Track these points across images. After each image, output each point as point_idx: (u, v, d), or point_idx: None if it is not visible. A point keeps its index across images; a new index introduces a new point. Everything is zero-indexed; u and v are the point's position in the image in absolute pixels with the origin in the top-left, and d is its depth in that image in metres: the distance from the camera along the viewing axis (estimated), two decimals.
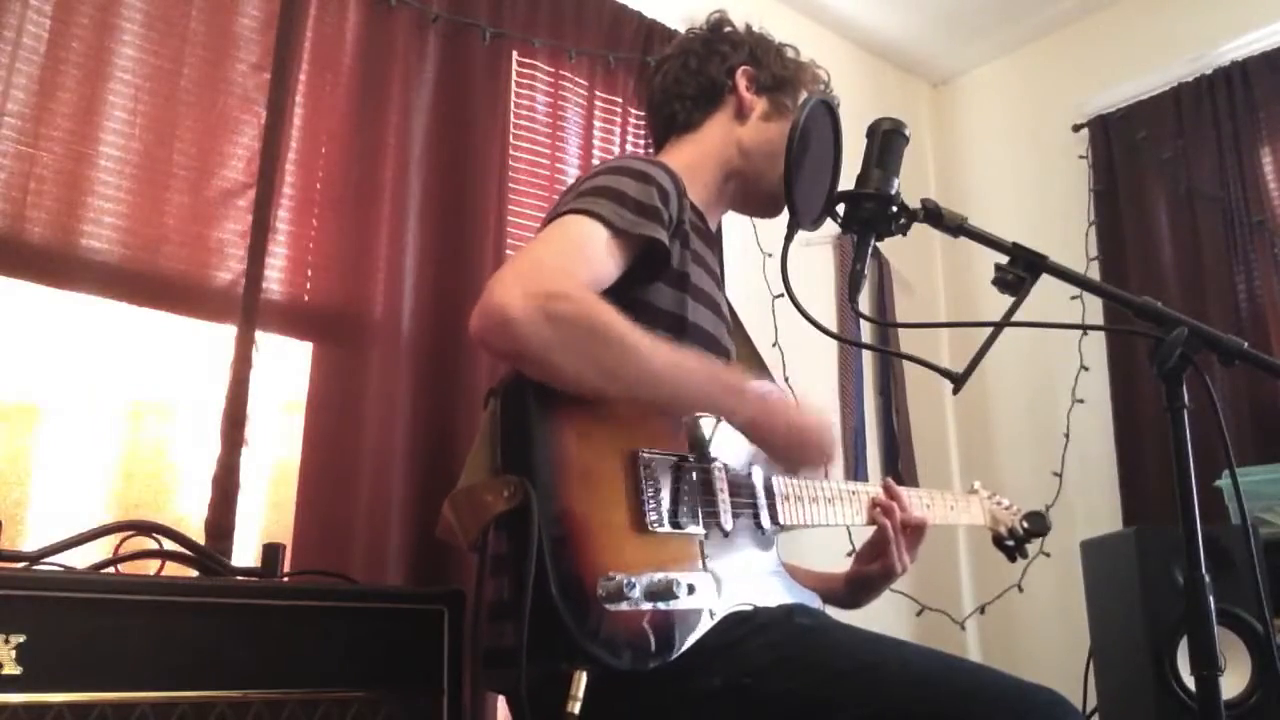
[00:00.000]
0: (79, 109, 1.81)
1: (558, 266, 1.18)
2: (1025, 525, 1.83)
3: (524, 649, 1.06)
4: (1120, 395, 2.99)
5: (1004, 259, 1.21)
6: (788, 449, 1.33)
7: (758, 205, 1.61)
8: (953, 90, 3.77)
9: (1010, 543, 1.84)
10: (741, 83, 1.55)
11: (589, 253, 1.22)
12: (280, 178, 2.02)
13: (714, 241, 1.55)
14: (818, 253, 3.13)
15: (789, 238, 1.34)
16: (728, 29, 1.61)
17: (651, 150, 1.68)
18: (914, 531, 1.56)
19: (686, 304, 1.37)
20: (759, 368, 1.58)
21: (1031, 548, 1.88)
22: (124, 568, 1.50)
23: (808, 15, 3.30)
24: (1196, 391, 1.11)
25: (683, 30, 2.67)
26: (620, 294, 1.25)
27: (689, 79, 1.57)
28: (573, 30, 2.55)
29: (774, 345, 2.78)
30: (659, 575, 1.15)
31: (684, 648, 1.15)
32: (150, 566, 1.54)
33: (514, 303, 1.11)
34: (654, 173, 1.32)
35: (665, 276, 1.34)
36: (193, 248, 1.90)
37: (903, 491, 1.59)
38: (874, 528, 1.56)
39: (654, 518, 1.19)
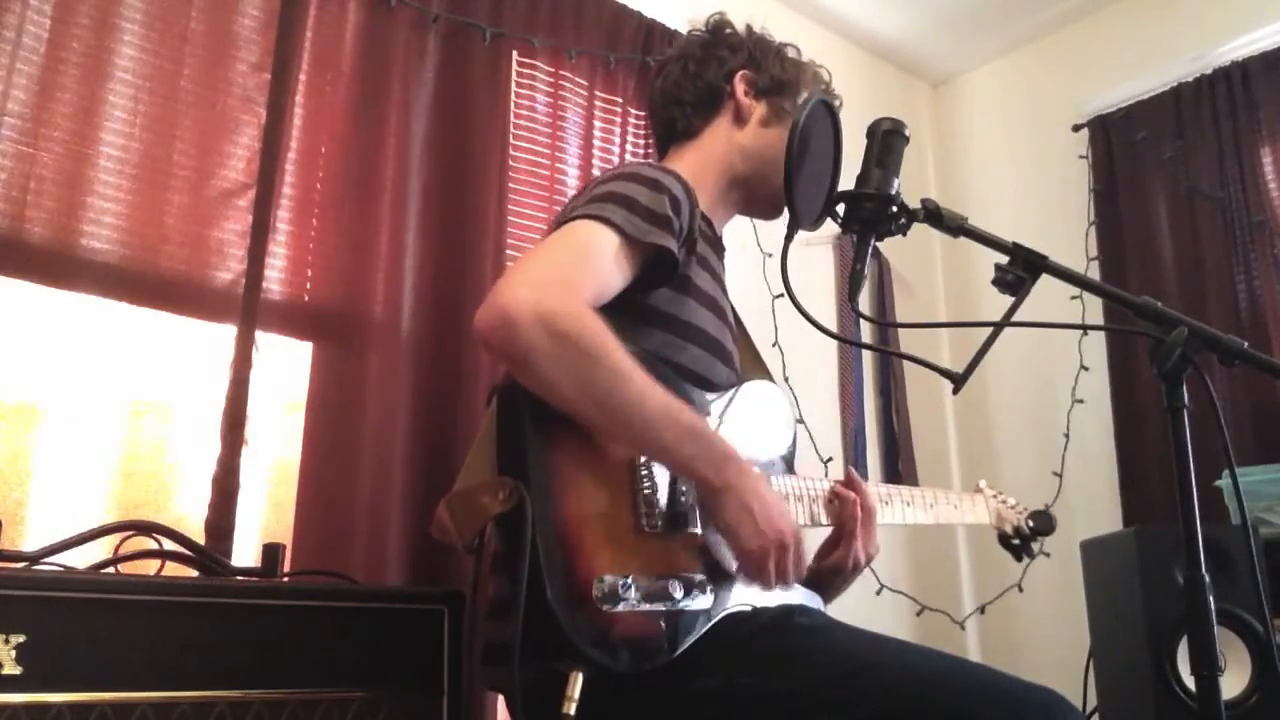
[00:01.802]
0: (79, 109, 1.81)
1: (568, 279, 1.17)
2: (1031, 524, 1.83)
3: (517, 651, 1.07)
4: (1120, 395, 2.99)
5: (1004, 259, 1.21)
6: (745, 544, 1.19)
7: (760, 209, 1.60)
8: (953, 90, 3.77)
9: (1016, 541, 1.83)
10: (740, 88, 1.54)
11: (598, 262, 1.21)
12: (280, 178, 2.01)
13: (720, 247, 1.55)
14: (818, 253, 3.14)
15: (789, 238, 1.34)
16: (727, 31, 1.60)
17: (653, 152, 1.67)
18: (867, 519, 1.47)
19: (689, 307, 1.37)
20: (761, 373, 1.58)
21: (1037, 546, 1.87)
22: (124, 568, 1.50)
23: (808, 15, 3.30)
24: (1196, 391, 1.11)
25: (683, 30, 2.69)
26: (622, 296, 1.25)
27: (688, 84, 1.56)
28: (573, 30, 2.55)
29: (774, 345, 2.78)
30: (655, 577, 1.15)
31: (681, 648, 1.15)
32: (150, 566, 1.54)
33: (521, 309, 1.11)
34: (666, 181, 1.32)
35: (669, 282, 1.34)
36: (193, 248, 1.90)
37: (862, 482, 1.51)
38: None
39: (651, 519, 1.19)
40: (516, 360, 1.14)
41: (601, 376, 1.14)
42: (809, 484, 1.46)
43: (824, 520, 1.46)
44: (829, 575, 1.48)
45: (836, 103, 1.46)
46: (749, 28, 1.61)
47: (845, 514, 1.46)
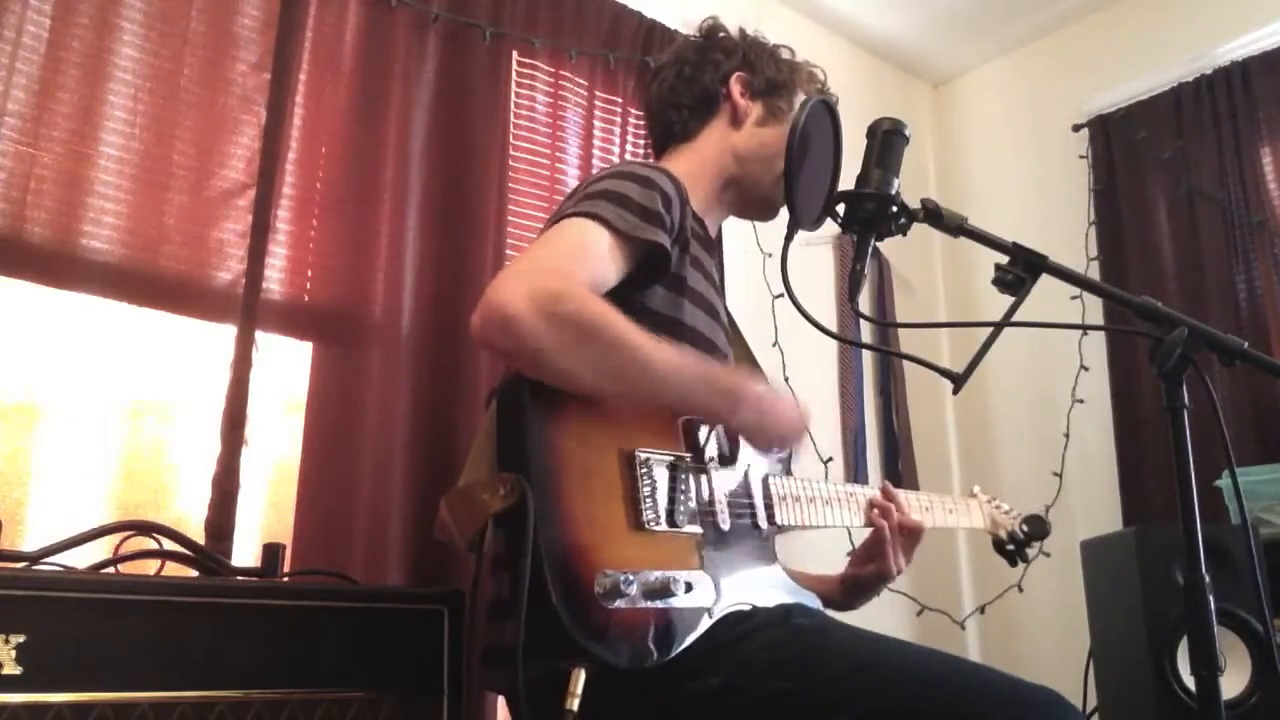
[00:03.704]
0: (79, 109, 1.81)
1: (559, 267, 1.18)
2: (1025, 529, 1.83)
3: (520, 647, 1.07)
4: (1120, 395, 2.99)
5: (1004, 259, 1.21)
6: (772, 442, 1.34)
7: (754, 210, 1.61)
8: (953, 90, 3.77)
9: (1010, 547, 1.83)
10: (735, 89, 1.55)
11: (590, 255, 1.22)
12: (280, 178, 2.01)
13: (713, 248, 1.56)
14: (818, 253, 3.14)
15: (789, 238, 1.34)
16: (721, 34, 1.61)
17: (651, 151, 1.68)
18: (910, 534, 1.55)
19: (682, 307, 1.37)
20: (757, 375, 1.58)
21: (1032, 552, 1.87)
22: (124, 568, 1.50)
23: (808, 15, 3.30)
24: (1196, 391, 1.11)
25: (683, 30, 2.69)
26: (616, 296, 1.25)
27: (684, 88, 1.57)
28: (573, 30, 2.55)
29: (774, 345, 2.78)
30: (656, 574, 1.15)
31: (682, 646, 1.15)
32: (150, 566, 1.54)
33: (515, 302, 1.11)
34: (657, 178, 1.32)
35: (662, 280, 1.34)
36: (193, 248, 1.90)
37: (900, 494, 1.59)
38: (870, 530, 1.55)
39: (651, 517, 1.19)
40: (522, 355, 1.14)
41: (607, 350, 1.14)
42: (805, 485, 1.46)
43: (817, 522, 1.47)
44: (871, 582, 1.54)
45: (834, 100, 1.47)
46: (742, 30, 1.62)
47: (884, 524, 1.53)
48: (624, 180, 1.30)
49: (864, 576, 1.55)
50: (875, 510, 1.54)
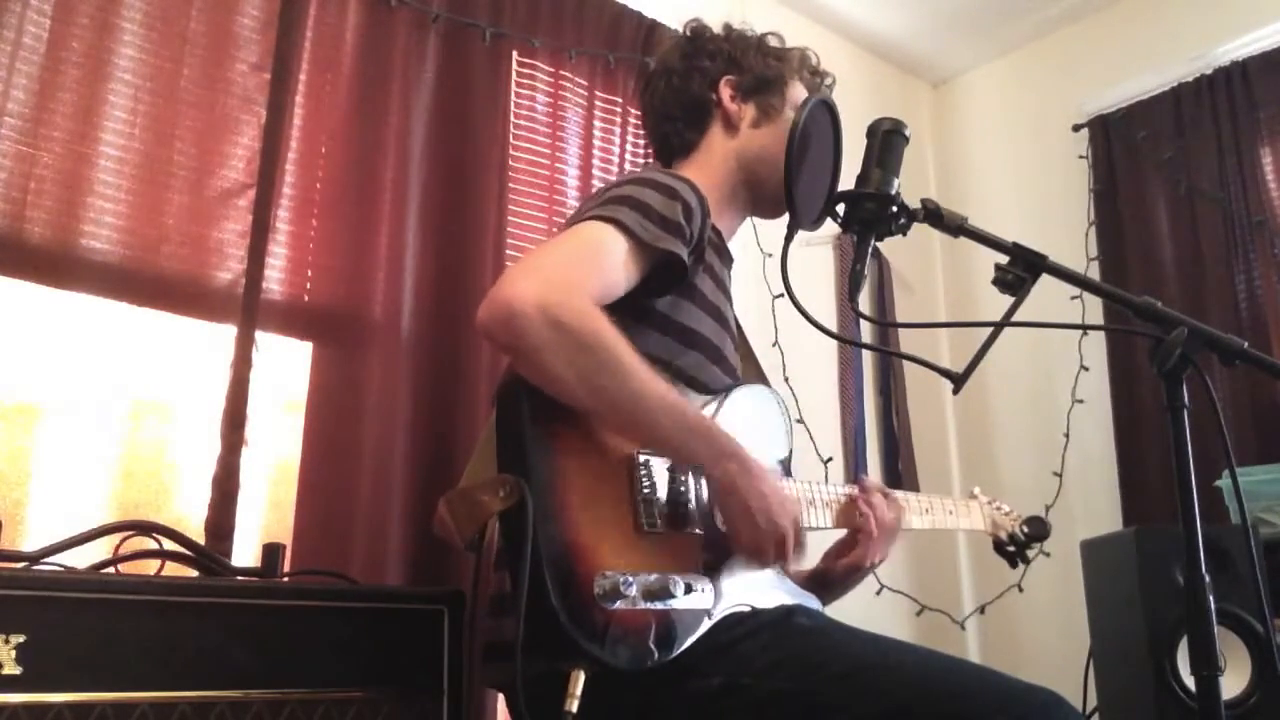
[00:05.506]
0: (79, 109, 1.81)
1: (572, 272, 1.18)
2: (1025, 530, 1.83)
3: (519, 649, 1.07)
4: (1120, 395, 2.99)
5: (1004, 259, 1.21)
6: (745, 540, 1.23)
7: (763, 208, 1.60)
8: (953, 90, 3.77)
9: (1011, 548, 1.83)
10: (725, 94, 1.54)
11: (605, 261, 1.22)
12: (280, 178, 2.01)
13: (727, 258, 1.55)
14: (818, 253, 3.14)
15: (789, 238, 1.34)
16: (706, 37, 1.58)
17: (651, 151, 1.68)
18: (886, 531, 1.50)
19: (691, 313, 1.37)
20: (761, 383, 1.58)
21: (1032, 553, 1.87)
22: (124, 568, 1.50)
23: (808, 15, 3.30)
24: (1196, 391, 1.11)
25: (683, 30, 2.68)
26: (625, 299, 1.25)
27: (673, 99, 1.56)
28: (573, 30, 2.55)
29: (774, 345, 2.78)
30: (656, 575, 1.15)
31: (682, 647, 1.15)
32: (150, 566, 1.54)
33: (523, 299, 1.11)
34: (681, 189, 1.32)
35: (676, 288, 1.34)
36: (193, 248, 1.90)
37: (879, 491, 1.54)
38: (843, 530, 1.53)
39: (650, 518, 1.19)
40: (519, 352, 1.14)
41: (603, 370, 1.14)
42: (803, 487, 1.46)
43: (817, 524, 1.46)
44: (841, 576, 1.50)
45: (829, 80, 1.46)
46: (728, 26, 1.59)
47: (864, 522, 1.48)
48: (647, 188, 1.30)
49: (836, 570, 1.51)
50: (859, 504, 1.50)
